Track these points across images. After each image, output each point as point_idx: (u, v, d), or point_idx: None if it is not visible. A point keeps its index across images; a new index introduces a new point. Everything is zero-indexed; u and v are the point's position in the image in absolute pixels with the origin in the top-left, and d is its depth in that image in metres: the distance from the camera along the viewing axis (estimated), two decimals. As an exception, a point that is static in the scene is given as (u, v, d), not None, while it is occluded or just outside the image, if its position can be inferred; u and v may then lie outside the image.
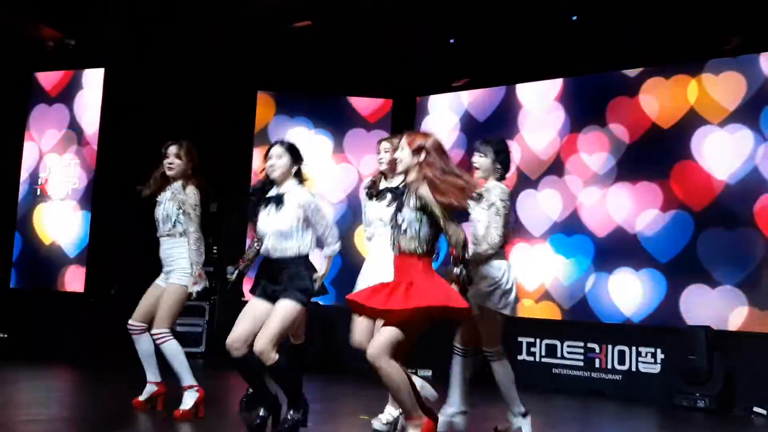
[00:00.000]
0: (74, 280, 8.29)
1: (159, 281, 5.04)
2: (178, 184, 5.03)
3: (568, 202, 7.71)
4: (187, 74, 8.80)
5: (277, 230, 4.34)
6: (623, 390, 7.04)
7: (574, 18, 7.50)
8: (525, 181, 7.98)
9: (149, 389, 5.01)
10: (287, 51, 8.57)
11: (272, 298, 4.31)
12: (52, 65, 8.92)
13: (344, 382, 7.57)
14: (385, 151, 4.82)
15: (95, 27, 8.41)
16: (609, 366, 7.18)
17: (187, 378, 4.86)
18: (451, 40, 8.28)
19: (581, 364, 7.34)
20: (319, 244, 4.50)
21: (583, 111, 7.76)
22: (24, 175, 8.92)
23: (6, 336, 8.44)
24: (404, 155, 3.92)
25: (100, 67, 8.72)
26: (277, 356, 4.17)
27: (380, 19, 7.97)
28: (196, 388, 4.87)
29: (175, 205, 4.96)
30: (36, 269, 8.62)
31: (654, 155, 7.28)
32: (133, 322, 4.95)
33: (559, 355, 7.47)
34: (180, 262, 4.92)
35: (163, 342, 4.84)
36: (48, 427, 4.49)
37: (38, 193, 8.82)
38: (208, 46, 8.47)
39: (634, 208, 7.34)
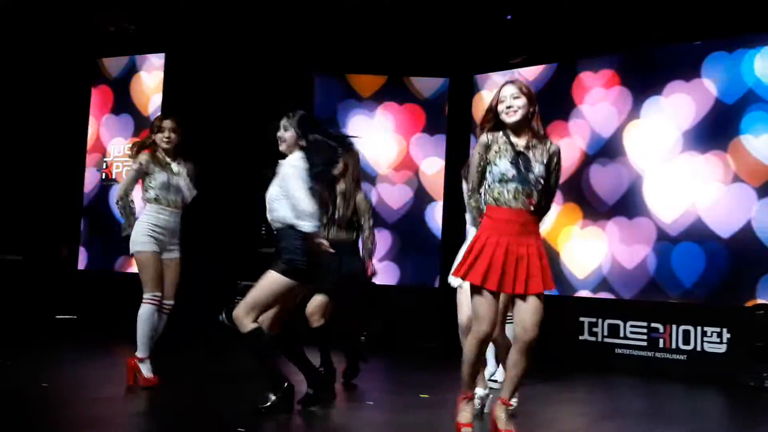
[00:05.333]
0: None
1: (158, 249, 5.11)
2: (179, 159, 5.22)
3: (629, 179, 7.55)
4: (246, 57, 8.88)
5: (268, 200, 4.34)
6: (688, 370, 6.90)
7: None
8: (585, 158, 7.85)
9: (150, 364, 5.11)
10: (343, 32, 8.56)
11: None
12: (114, 50, 9.08)
13: (403, 361, 7.61)
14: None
15: (156, 12, 8.53)
16: (673, 346, 7.05)
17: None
18: (508, 16, 8.16)
19: (644, 344, 7.22)
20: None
21: (644, 85, 7.57)
22: (89, 158, 9.13)
23: (75, 317, 8.72)
24: (523, 105, 3.81)
25: (161, 52, 8.86)
26: (252, 326, 4.13)
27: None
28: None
29: (185, 180, 5.18)
30: (103, 251, 8.85)
31: (716, 129, 7.08)
32: (157, 294, 5.07)
33: (621, 335, 7.36)
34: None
35: (169, 313, 5.13)
36: (116, 405, 4.62)
37: (103, 176, 9.02)
38: (266, 29, 8.51)
39: (697, 183, 7.15)
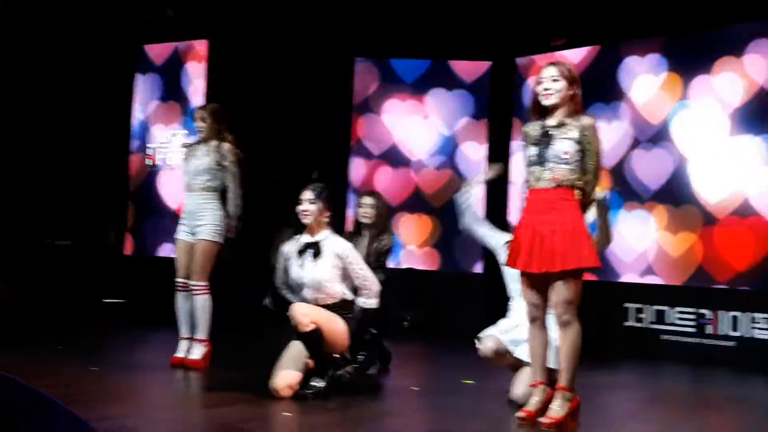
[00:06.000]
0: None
1: (185, 236, 5.33)
2: (213, 142, 5.33)
3: (676, 162, 7.42)
4: (287, 43, 8.89)
5: (315, 280, 4.34)
6: (736, 357, 6.79)
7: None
8: (630, 142, 7.72)
9: (186, 345, 5.28)
10: (384, 16, 8.52)
11: None
12: (157, 37, 9.16)
13: (446, 347, 7.61)
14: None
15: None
16: (721, 332, 6.94)
17: (204, 332, 5.24)
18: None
19: (692, 330, 7.11)
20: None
21: (691, 69, 7.41)
22: (134, 145, 9.24)
23: (124, 301, 8.86)
24: (561, 87, 3.78)
25: (203, 39, 8.91)
26: (311, 327, 4.18)
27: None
28: (205, 343, 5.25)
29: (213, 161, 5.27)
30: (149, 236, 8.97)
31: (764, 111, 6.92)
32: (182, 280, 5.31)
33: (668, 321, 7.26)
34: (211, 217, 5.24)
35: (201, 294, 5.21)
36: (167, 388, 4.70)
37: (148, 162, 9.12)
38: (306, 14, 8.51)
39: (745, 166, 7.00)
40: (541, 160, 3.77)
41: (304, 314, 4.19)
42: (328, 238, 4.43)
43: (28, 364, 4.95)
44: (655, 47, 7.67)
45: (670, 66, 7.55)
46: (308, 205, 4.42)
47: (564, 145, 3.74)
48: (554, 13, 8.07)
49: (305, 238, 4.48)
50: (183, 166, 5.50)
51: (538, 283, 3.80)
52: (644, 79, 7.70)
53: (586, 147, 3.76)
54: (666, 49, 7.59)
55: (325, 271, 4.35)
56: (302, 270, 4.40)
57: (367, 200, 5.63)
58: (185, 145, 5.64)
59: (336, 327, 4.31)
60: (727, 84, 7.16)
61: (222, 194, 5.38)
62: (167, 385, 4.84)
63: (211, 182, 5.30)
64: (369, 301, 4.43)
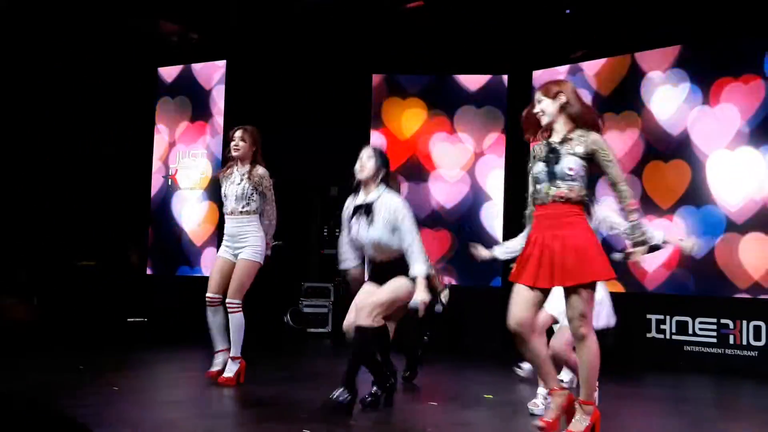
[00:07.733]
0: (207, 266, 8.64)
1: (227, 255, 5.40)
2: (246, 166, 5.40)
3: (696, 174, 7.38)
4: (304, 60, 8.97)
5: (372, 240, 4.43)
6: (759, 366, 6.72)
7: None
8: (653, 154, 7.70)
9: (222, 358, 5.34)
10: (400, 32, 8.58)
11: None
12: (176, 59, 9.27)
13: (465, 361, 7.60)
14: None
15: (216, 20, 8.67)
16: (744, 342, 6.88)
17: (237, 350, 5.29)
18: (567, 11, 8.06)
19: (714, 340, 7.06)
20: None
21: (709, 79, 7.39)
22: (155, 166, 9.35)
23: (145, 320, 8.94)
24: (546, 106, 3.83)
25: (222, 60, 9.01)
26: (379, 323, 4.24)
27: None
28: (239, 360, 5.28)
29: (250, 185, 5.33)
30: (170, 256, 9.04)
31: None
32: (212, 295, 5.34)
33: (690, 332, 7.21)
34: (253, 239, 5.32)
35: (234, 312, 5.27)
36: (184, 407, 4.72)
37: (169, 183, 9.22)
38: (323, 31, 8.58)
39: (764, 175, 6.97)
40: (549, 177, 3.78)
41: (366, 315, 4.27)
42: (381, 197, 4.46)
43: (51, 384, 5.01)
44: (674, 58, 7.65)
45: (689, 76, 7.52)
46: (366, 160, 4.48)
47: (569, 161, 3.75)
48: (571, 25, 8.08)
49: (359, 199, 4.52)
50: (222, 190, 5.49)
51: (533, 302, 3.77)
52: (663, 90, 7.68)
53: (603, 162, 3.77)
54: (685, 60, 7.56)
55: (378, 231, 4.41)
56: (359, 231, 4.48)
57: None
58: (220, 173, 5.62)
59: (401, 294, 4.38)
60: (743, 91, 7.14)
61: (261, 216, 5.46)
62: (185, 403, 4.86)
63: (250, 206, 5.37)
64: (417, 267, 4.35)
